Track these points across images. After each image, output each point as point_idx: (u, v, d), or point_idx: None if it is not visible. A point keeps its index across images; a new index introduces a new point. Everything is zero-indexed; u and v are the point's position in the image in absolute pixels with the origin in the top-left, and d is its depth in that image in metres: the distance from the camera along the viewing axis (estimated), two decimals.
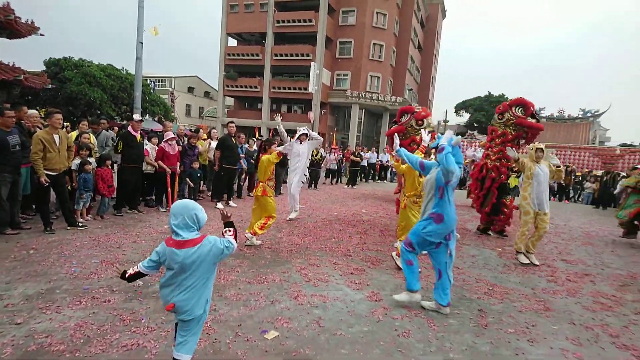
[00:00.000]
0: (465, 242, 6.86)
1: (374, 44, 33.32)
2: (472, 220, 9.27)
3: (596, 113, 36.54)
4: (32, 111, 6.28)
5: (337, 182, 16.93)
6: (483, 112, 52.01)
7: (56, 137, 5.38)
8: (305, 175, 8.23)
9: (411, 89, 39.74)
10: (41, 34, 17.30)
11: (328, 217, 8.12)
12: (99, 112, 25.34)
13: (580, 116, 37.39)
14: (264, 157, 5.60)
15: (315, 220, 7.69)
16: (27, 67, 16.92)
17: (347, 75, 33.89)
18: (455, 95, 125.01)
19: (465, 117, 56.82)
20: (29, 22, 17.01)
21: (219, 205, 8.31)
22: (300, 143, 7.52)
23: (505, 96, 53.65)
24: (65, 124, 12.47)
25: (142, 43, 15.49)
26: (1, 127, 4.99)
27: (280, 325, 3.15)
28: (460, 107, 57.31)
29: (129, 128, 6.96)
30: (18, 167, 5.23)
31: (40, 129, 5.80)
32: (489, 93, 54.43)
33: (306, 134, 7.51)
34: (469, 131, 32.42)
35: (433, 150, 4.64)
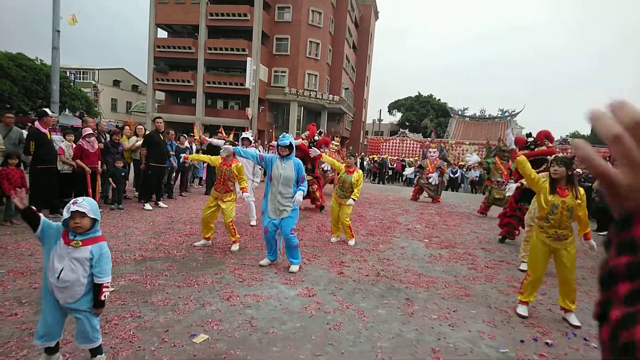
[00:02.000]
0: (395, 234, 7.19)
1: (311, 41, 33.52)
2: (402, 214, 9.74)
3: (513, 112, 40.12)
4: None
5: None
6: (414, 112, 54.93)
7: None
8: (255, 182, 7.72)
9: (347, 88, 40.63)
10: None
11: None
12: (8, 106, 22.71)
13: (499, 115, 40.80)
14: None
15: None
16: None
17: (284, 72, 33.74)
18: (388, 95, 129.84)
19: (398, 116, 59.60)
20: None
21: (147, 206, 7.86)
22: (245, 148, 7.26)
23: (434, 96, 57.09)
24: None
25: (58, 31, 14.13)
26: None
27: (211, 327, 3.07)
28: (393, 107, 60.00)
29: (37, 125, 6.31)
30: None
31: None
32: (419, 93, 57.55)
33: (249, 140, 7.34)
34: (401, 129, 33.95)
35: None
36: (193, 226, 6.65)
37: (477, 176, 20.10)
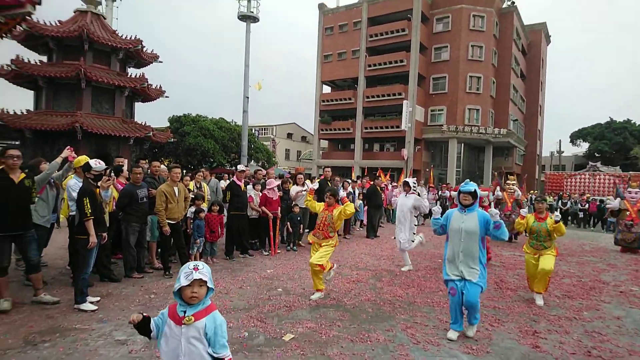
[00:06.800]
0: (604, 298, 5.73)
1: (471, 76, 32.22)
2: (607, 270, 7.82)
3: None
4: (162, 167, 7.15)
5: None
6: (605, 141, 46.01)
7: (176, 189, 5.96)
8: (415, 234, 7.32)
9: (516, 120, 37.02)
10: (167, 96, 20.19)
11: (432, 265, 7.54)
12: (211, 160, 28.22)
13: None
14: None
15: (418, 268, 7.19)
16: (153, 125, 19.74)
17: (442, 110, 33.07)
18: (570, 124, 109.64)
19: (584, 147, 50.89)
20: (158, 88, 20.00)
21: None
22: (405, 195, 7.27)
23: (633, 121, 46.95)
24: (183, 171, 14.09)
25: (247, 97, 17.01)
26: (133, 183, 5.71)
27: None
28: (576, 137, 51.59)
29: (234, 178, 7.47)
30: (145, 217, 5.89)
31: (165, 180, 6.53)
32: (611, 119, 48.18)
33: (410, 185, 7.29)
34: (590, 162, 28.51)
35: None
36: (359, 272, 6.65)
37: None
